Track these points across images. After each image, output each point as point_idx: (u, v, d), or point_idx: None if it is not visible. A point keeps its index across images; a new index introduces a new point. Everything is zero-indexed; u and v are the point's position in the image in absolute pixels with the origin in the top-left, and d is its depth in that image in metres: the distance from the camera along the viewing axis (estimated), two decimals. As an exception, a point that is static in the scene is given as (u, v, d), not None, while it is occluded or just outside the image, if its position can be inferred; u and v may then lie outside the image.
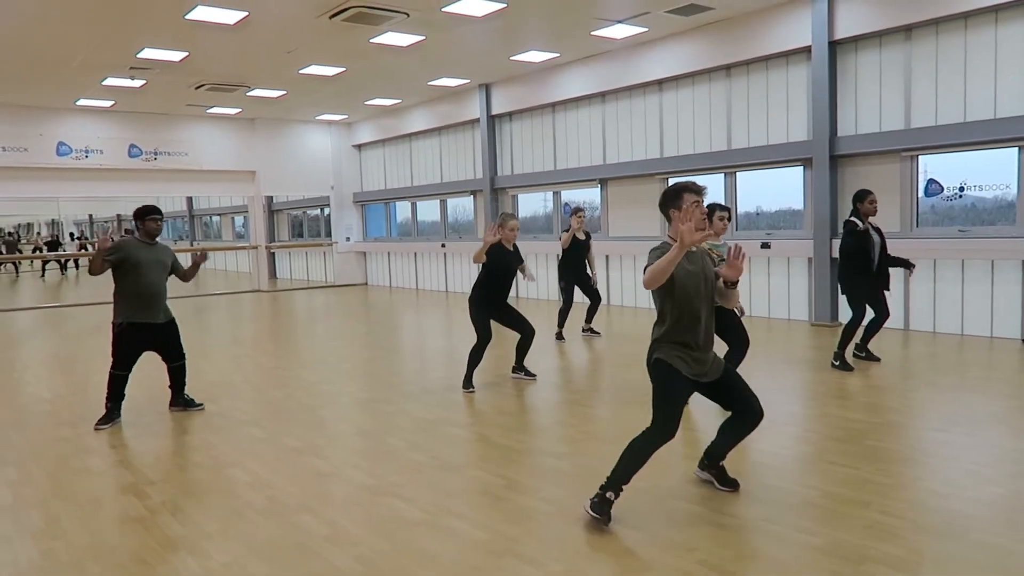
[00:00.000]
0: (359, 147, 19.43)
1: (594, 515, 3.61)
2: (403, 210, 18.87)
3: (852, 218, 6.91)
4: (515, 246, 6.69)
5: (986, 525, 3.54)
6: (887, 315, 7.11)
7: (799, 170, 10.23)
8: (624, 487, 3.67)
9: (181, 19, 9.56)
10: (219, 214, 27.55)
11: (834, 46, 9.47)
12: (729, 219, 5.90)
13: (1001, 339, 8.39)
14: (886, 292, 7.11)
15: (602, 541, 3.49)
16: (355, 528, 3.73)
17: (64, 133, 15.75)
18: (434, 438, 5.30)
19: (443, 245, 16.71)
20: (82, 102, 15.16)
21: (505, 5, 9.48)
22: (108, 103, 15.38)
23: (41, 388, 7.50)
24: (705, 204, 3.57)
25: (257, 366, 8.37)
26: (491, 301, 6.64)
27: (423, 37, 10.84)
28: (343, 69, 12.88)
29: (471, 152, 15.85)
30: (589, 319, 9.53)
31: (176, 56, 11.56)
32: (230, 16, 9.53)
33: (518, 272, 6.76)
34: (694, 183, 3.76)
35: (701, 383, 3.78)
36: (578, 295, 9.40)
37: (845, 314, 7.66)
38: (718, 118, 11.09)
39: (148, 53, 11.32)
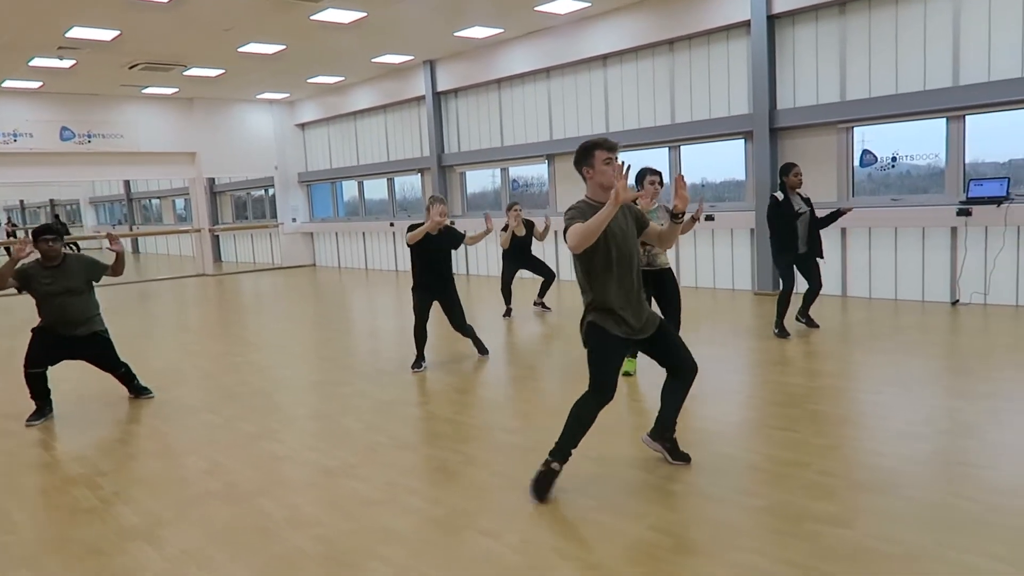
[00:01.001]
0: (302, 126, 19.10)
1: (533, 495, 3.67)
2: (350, 189, 18.66)
3: (775, 192, 7.18)
4: (446, 228, 6.66)
5: (918, 481, 3.76)
6: (819, 285, 7.36)
7: (741, 143, 10.45)
8: (572, 453, 3.73)
9: (112, -4, 9.26)
10: (159, 197, 26.84)
11: (772, 20, 9.66)
12: (661, 184, 5.89)
13: (932, 303, 8.78)
14: (820, 261, 7.34)
15: (555, 510, 3.60)
16: (314, 510, 3.77)
17: (-9, 116, 15.13)
18: (389, 418, 5.35)
19: (391, 224, 16.60)
20: (8, 83, 14.56)
21: (447, -19, 9.42)
22: (36, 84, 14.80)
23: None
24: (628, 167, 3.49)
25: (206, 352, 8.26)
26: (427, 287, 6.66)
27: (364, 13, 10.69)
28: (283, 47, 12.63)
29: (417, 129, 15.73)
30: (541, 294, 9.62)
31: (107, 35, 11.18)
32: (164, -7, 9.27)
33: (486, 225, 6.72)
34: (606, 139, 3.67)
35: (636, 340, 3.79)
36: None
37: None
38: (661, 93, 11.23)
39: (77, 32, 10.92)
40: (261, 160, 18.73)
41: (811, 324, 7.56)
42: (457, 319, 6.79)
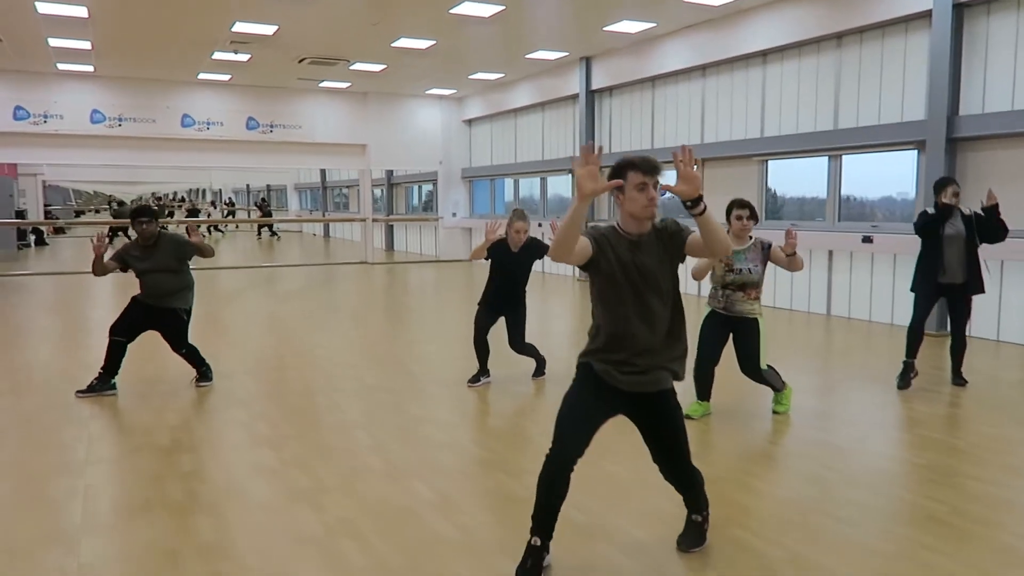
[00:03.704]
0: (469, 122, 19.24)
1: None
2: (509, 187, 18.53)
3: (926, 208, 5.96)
4: (528, 249, 6.10)
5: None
6: (962, 336, 6.04)
7: (913, 154, 8.89)
8: (549, 528, 3.04)
9: (257, -9, 9.62)
10: (348, 186, 28.42)
11: (960, 9, 8.07)
12: (751, 218, 4.96)
13: None
14: (961, 298, 5.93)
15: (485, 590, 2.98)
16: (240, 539, 3.42)
17: (188, 106, 16.60)
18: (403, 439, 4.91)
19: (540, 225, 16.19)
20: (203, 76, 15.87)
21: (579, -31, 8.81)
22: (226, 77, 16.03)
23: (92, 353, 7.65)
24: (600, 148, 2.66)
25: (298, 343, 8.24)
26: (494, 306, 6.20)
27: (503, 7, 10.34)
28: (434, 42, 12.62)
29: (571, 128, 15.21)
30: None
31: (268, 30, 11.74)
32: (303, -13, 9.48)
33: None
34: (646, 159, 2.89)
35: (628, 393, 3.04)
36: None
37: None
38: (825, 94, 9.85)
39: (241, 27, 11.56)
40: (428, 155, 19.11)
41: (957, 381, 6.14)
42: (517, 339, 6.29)
